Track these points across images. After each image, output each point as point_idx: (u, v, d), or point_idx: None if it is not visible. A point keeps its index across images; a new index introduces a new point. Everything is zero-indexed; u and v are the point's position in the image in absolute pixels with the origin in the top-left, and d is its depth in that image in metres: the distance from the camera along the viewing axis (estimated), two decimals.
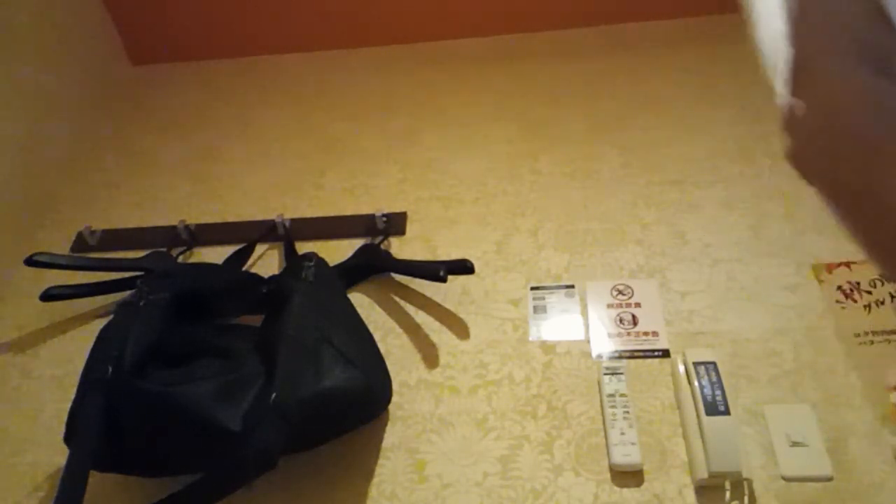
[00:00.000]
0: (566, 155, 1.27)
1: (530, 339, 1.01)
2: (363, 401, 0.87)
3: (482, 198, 1.22)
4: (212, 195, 1.30)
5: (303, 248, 1.15)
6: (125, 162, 1.40)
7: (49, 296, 1.09)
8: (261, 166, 1.34)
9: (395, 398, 0.94)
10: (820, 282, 1.01)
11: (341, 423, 0.88)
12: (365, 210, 1.21)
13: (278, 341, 0.83)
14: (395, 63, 1.55)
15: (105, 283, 1.10)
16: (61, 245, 1.24)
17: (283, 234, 1.18)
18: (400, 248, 1.16)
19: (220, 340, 0.90)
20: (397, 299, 1.08)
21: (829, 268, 1.02)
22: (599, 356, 0.97)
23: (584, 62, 1.47)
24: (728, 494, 0.82)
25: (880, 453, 0.83)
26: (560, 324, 1.02)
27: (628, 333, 0.99)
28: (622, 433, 0.87)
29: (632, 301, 1.03)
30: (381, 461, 0.90)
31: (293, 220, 1.20)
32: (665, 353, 0.96)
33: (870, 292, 0.98)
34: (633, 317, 1.01)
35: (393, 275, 1.11)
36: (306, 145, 1.38)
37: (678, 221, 1.13)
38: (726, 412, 0.83)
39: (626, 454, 0.85)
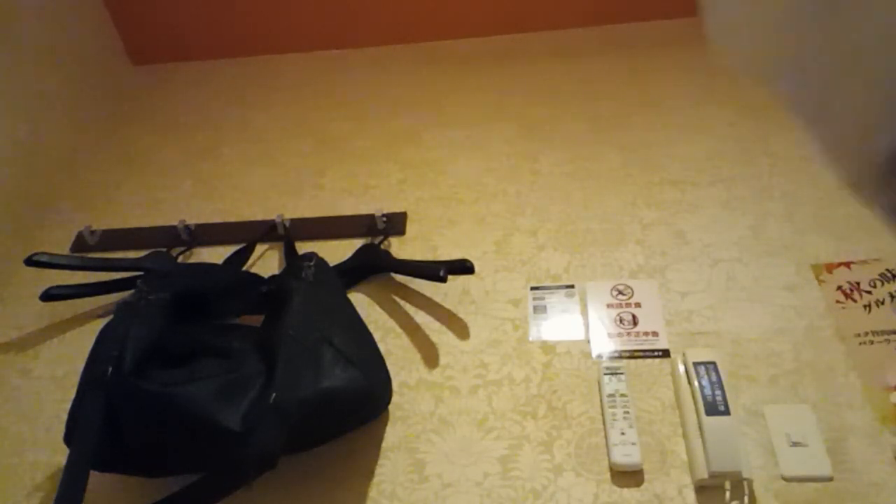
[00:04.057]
0: (566, 155, 1.27)
1: (530, 339, 1.01)
2: (363, 401, 0.87)
3: (482, 198, 1.22)
4: (212, 195, 1.30)
5: (303, 248, 1.15)
6: (125, 162, 1.40)
7: (49, 296, 1.09)
8: (261, 166, 1.34)
9: (395, 398, 0.94)
10: (820, 282, 1.01)
11: (341, 423, 0.88)
12: (365, 210, 1.21)
13: (278, 341, 0.83)
14: (395, 63, 1.55)
15: (105, 283, 1.10)
16: (61, 245, 1.24)
17: (283, 234, 1.18)
18: (400, 248, 1.16)
19: (220, 340, 0.90)
20: (397, 299, 1.08)
21: (829, 268, 1.02)
22: (599, 356, 0.97)
23: (584, 62, 1.47)
24: (728, 494, 0.82)
25: (880, 453, 0.83)
26: (560, 324, 1.02)
27: (628, 333, 0.99)
28: (622, 433, 0.87)
29: (632, 301, 1.03)
30: (381, 461, 0.90)
31: (293, 220, 1.20)
32: (665, 353, 0.96)
33: (870, 292, 0.98)
34: (633, 317, 1.01)
35: (393, 275, 1.11)
36: (306, 145, 1.38)
37: (678, 221, 1.13)
38: (726, 412, 0.83)
39: (626, 454, 0.85)
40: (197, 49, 1.62)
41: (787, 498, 0.81)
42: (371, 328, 0.97)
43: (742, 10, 0.49)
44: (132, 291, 0.92)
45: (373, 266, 1.12)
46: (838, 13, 0.41)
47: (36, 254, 1.05)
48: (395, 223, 1.18)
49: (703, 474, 0.81)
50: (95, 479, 0.77)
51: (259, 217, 1.23)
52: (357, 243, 1.16)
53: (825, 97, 0.45)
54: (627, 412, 0.88)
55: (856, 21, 0.40)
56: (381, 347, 0.97)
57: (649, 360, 0.96)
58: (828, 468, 0.82)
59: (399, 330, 1.04)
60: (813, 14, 0.43)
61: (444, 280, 1.00)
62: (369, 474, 0.89)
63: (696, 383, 0.86)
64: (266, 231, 1.18)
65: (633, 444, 0.86)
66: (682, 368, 0.90)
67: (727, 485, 0.82)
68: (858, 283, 1.00)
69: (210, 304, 0.98)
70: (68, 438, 0.81)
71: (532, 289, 1.07)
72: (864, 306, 0.97)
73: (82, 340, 1.07)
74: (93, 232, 1.23)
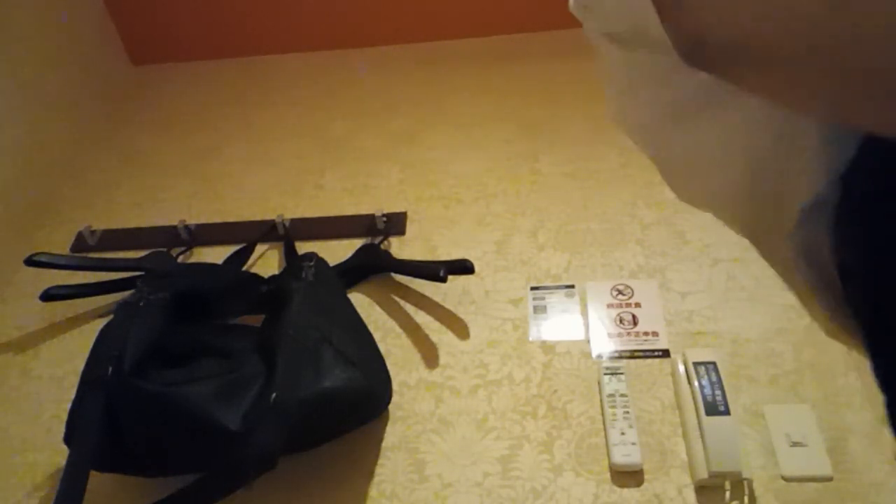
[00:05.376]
0: (566, 155, 1.27)
1: (530, 339, 1.01)
2: (363, 401, 0.87)
3: (482, 198, 1.22)
4: (212, 195, 1.30)
5: (303, 248, 1.15)
6: (125, 162, 1.40)
7: (49, 296, 1.09)
8: (261, 166, 1.34)
9: (395, 398, 0.94)
10: None
11: (341, 423, 0.88)
12: (365, 210, 1.21)
13: (278, 341, 0.83)
14: (395, 63, 1.55)
15: (105, 283, 1.10)
16: (61, 245, 1.24)
17: (283, 234, 1.18)
18: (400, 248, 1.16)
19: (220, 340, 0.90)
20: (397, 299, 1.08)
21: None
22: (599, 356, 0.97)
23: (584, 62, 1.46)
24: (728, 494, 0.82)
25: (880, 453, 0.83)
26: (560, 324, 1.02)
27: (628, 333, 0.99)
28: (622, 433, 0.87)
29: (632, 301, 1.03)
30: (381, 461, 0.90)
31: (293, 220, 1.20)
32: (665, 353, 0.96)
33: None
34: (633, 317, 1.01)
35: (393, 275, 1.11)
36: (306, 145, 1.38)
37: (678, 221, 1.13)
38: (726, 412, 0.83)
39: (626, 454, 0.85)
40: (197, 49, 1.62)
41: (787, 498, 0.81)
42: (371, 328, 0.98)
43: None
44: (132, 291, 0.92)
45: (373, 266, 1.12)
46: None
47: (36, 254, 1.05)
48: (395, 223, 1.18)
49: (703, 474, 0.81)
50: (95, 479, 0.77)
51: (259, 217, 1.23)
52: (357, 243, 1.16)
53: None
54: (627, 412, 0.88)
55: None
56: (381, 347, 0.97)
57: (649, 360, 0.96)
58: (828, 468, 0.82)
59: (399, 330, 1.04)
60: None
61: (444, 280, 1.00)
62: (369, 474, 0.89)
63: (696, 383, 0.86)
64: (266, 231, 1.18)
65: (633, 444, 0.86)
66: (682, 368, 0.90)
67: (727, 485, 0.82)
68: None
69: (210, 304, 0.98)
70: (68, 438, 0.81)
71: (532, 289, 1.07)
72: None
73: (82, 340, 1.07)
74: (93, 232, 1.23)
